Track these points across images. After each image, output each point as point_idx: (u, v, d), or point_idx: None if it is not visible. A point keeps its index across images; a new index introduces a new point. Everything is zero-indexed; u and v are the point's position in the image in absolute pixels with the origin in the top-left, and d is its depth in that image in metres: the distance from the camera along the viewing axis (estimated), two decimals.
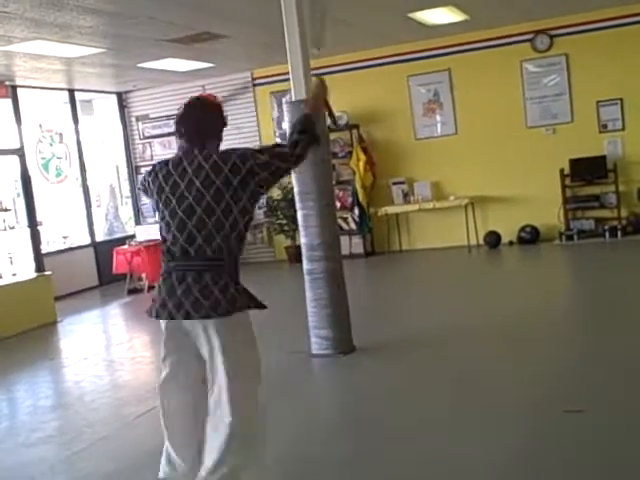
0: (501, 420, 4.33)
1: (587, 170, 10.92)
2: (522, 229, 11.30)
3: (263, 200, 12.58)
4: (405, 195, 11.95)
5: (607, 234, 10.72)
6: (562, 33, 11.04)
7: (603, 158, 10.85)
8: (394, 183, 12.01)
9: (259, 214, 12.62)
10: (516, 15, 10.49)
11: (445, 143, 11.81)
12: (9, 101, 10.94)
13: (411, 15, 9.62)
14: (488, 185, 11.50)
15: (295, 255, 11.06)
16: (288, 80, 6.42)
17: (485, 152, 11.49)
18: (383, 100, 11.97)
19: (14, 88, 10.99)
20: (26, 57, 9.21)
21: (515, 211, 11.31)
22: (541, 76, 11.27)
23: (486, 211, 11.61)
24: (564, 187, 11.00)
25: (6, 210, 10.68)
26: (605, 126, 11.00)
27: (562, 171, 10.97)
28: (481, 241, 11.56)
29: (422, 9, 9.41)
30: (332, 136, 10.71)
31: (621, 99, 10.86)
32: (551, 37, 11.10)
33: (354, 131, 12.00)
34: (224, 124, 3.44)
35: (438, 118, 11.91)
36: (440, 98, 11.85)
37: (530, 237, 11.26)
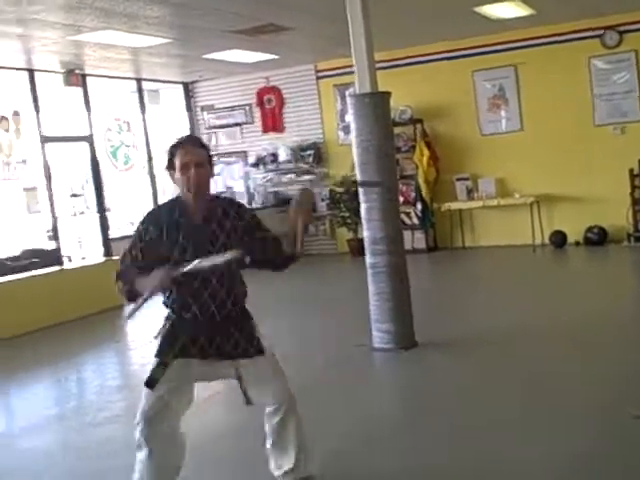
0: (568, 423, 4.27)
1: None
2: (589, 229, 11.08)
3: (326, 192, 12.67)
4: (469, 191, 11.86)
5: None
6: (632, 29, 10.79)
7: None
8: (458, 179, 11.93)
9: (322, 206, 12.70)
10: (584, 10, 10.29)
11: (510, 139, 11.67)
12: (80, 89, 11.21)
13: (477, 9, 9.54)
14: (554, 183, 11.32)
15: (357, 248, 11.09)
16: (352, 73, 6.45)
17: (551, 149, 11.31)
18: (447, 95, 11.89)
19: (84, 77, 11.25)
20: (95, 46, 9.41)
21: (582, 211, 11.11)
22: (610, 73, 11.05)
23: (552, 210, 11.43)
24: (633, 187, 10.75)
25: (76, 196, 10.99)
26: None
27: (631, 171, 10.72)
28: (546, 240, 11.37)
29: (488, 3, 9.33)
30: (396, 130, 10.69)
31: None
32: (620, 33, 10.87)
33: (418, 126, 11.95)
34: None
35: (503, 114, 11.78)
36: (505, 94, 11.72)
37: (597, 238, 11.02)
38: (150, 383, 3.23)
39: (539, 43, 11.29)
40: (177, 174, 3.24)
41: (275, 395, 3.38)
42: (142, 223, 3.30)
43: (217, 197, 3.49)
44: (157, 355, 3.31)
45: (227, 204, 3.38)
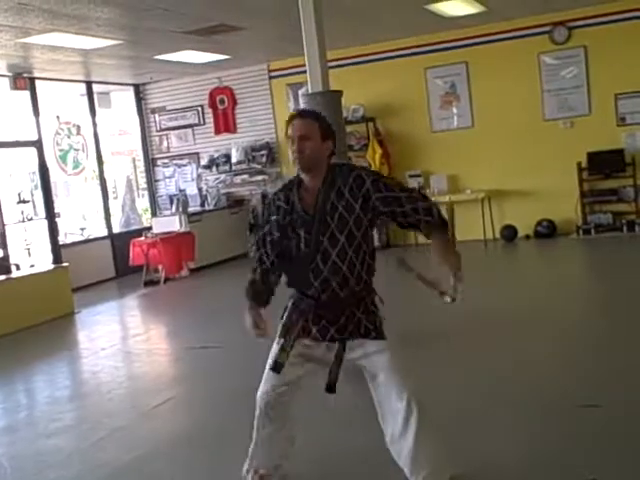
0: (518, 417, 4.33)
1: (605, 164, 10.84)
2: (539, 223, 11.25)
3: None
4: (421, 188, 11.90)
5: (625, 228, 10.66)
6: (580, 25, 10.94)
7: (621, 152, 10.76)
8: (410, 176, 11.98)
9: None
10: (534, 7, 10.41)
11: (461, 136, 11.76)
12: (27, 93, 11.00)
13: (428, 7, 9.58)
14: (504, 179, 11.45)
15: None
16: (304, 72, 6.43)
17: (502, 145, 11.43)
18: (399, 93, 11.94)
19: (32, 80, 11.05)
20: (43, 49, 9.25)
21: (532, 205, 11.26)
22: (559, 68, 11.19)
23: (502, 205, 11.56)
24: (581, 181, 10.94)
25: (24, 202, 10.78)
26: (623, 119, 10.90)
27: (579, 164, 10.90)
28: (497, 235, 11.52)
29: (439, 1, 9.37)
30: (348, 129, 10.72)
31: None
32: (569, 29, 11.02)
33: (370, 124, 11.98)
34: None
35: (455, 111, 11.86)
36: (457, 90, 11.80)
37: (547, 231, 11.21)
38: (276, 368, 3.16)
39: (490, 40, 11.39)
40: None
41: (396, 382, 3.09)
42: (267, 207, 3.27)
43: (339, 166, 3.21)
44: (281, 336, 3.21)
45: (353, 178, 3.13)
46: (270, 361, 3.24)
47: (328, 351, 3.18)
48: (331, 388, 3.13)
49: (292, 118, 3.16)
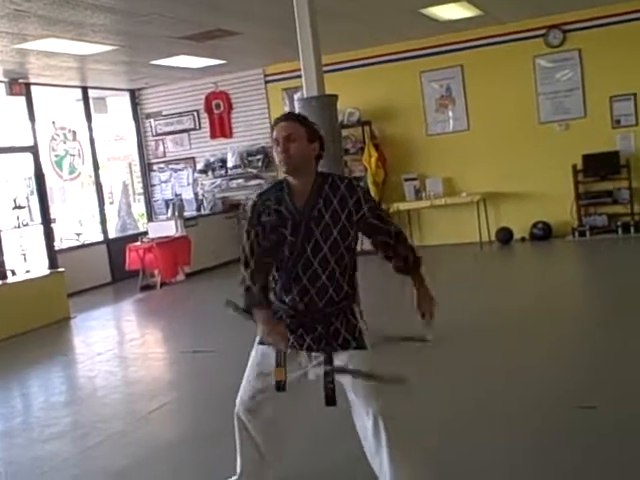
0: (515, 420, 4.32)
1: (600, 166, 10.86)
2: (534, 225, 11.26)
3: None
4: (417, 191, 11.93)
5: (620, 230, 10.68)
6: (575, 28, 10.98)
7: (616, 154, 10.79)
8: (406, 179, 11.99)
9: None
10: (529, 10, 10.44)
11: (457, 139, 11.78)
12: (23, 99, 11.00)
13: (423, 11, 9.60)
14: (500, 181, 11.46)
15: None
16: (300, 77, 6.43)
17: (497, 148, 11.45)
18: (395, 96, 11.95)
19: (27, 86, 11.05)
20: (39, 55, 9.26)
21: (527, 207, 11.28)
22: (554, 71, 11.22)
23: (498, 207, 11.58)
24: (577, 183, 10.95)
25: (20, 207, 10.76)
26: (618, 121, 10.94)
27: (575, 167, 10.92)
28: (493, 237, 11.53)
29: (434, 5, 9.39)
30: (344, 133, 10.75)
31: (634, 94, 10.80)
32: (564, 32, 11.05)
33: (366, 127, 11.99)
34: None
35: (450, 114, 11.88)
36: (452, 94, 11.82)
37: (542, 233, 11.22)
38: (279, 388, 3.09)
39: (485, 43, 11.42)
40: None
41: (366, 398, 3.05)
42: (253, 209, 3.13)
43: (327, 175, 3.16)
44: (260, 342, 3.19)
45: (344, 187, 3.10)
46: (249, 370, 3.22)
47: (309, 361, 3.13)
48: (329, 401, 3.04)
49: (277, 121, 3.12)
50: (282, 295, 3.13)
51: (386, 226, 3.18)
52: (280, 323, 3.10)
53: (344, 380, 3.08)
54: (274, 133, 3.08)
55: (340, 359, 3.07)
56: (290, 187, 3.10)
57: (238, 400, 3.28)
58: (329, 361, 3.05)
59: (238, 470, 3.39)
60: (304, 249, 3.05)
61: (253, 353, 3.25)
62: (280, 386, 3.09)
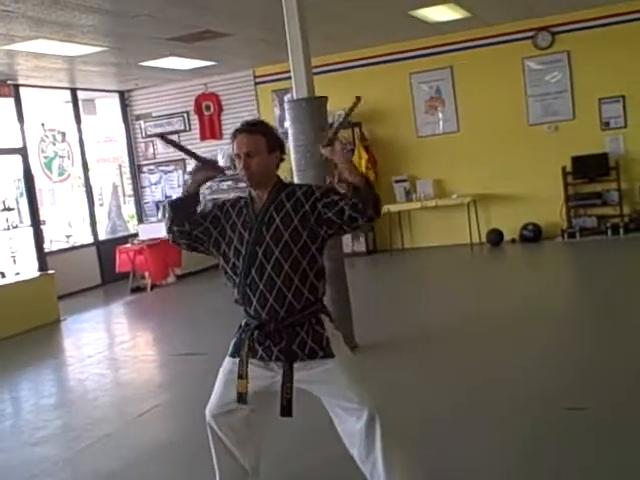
0: (506, 421, 4.33)
1: (589, 168, 10.92)
2: (524, 227, 11.30)
3: None
4: (407, 193, 11.95)
5: (609, 231, 10.73)
6: (564, 30, 11.03)
7: (605, 155, 10.84)
8: (396, 181, 12.01)
9: None
10: (518, 12, 10.48)
11: (447, 141, 11.81)
12: (11, 100, 10.95)
13: (412, 12, 9.62)
14: (490, 183, 11.50)
15: None
16: (290, 78, 6.43)
17: (487, 150, 11.48)
18: (385, 98, 11.95)
19: (16, 87, 11.00)
20: (28, 56, 9.22)
21: (517, 209, 11.31)
22: (543, 73, 11.27)
23: (488, 209, 11.61)
24: (566, 185, 11.00)
25: (9, 209, 10.72)
26: (607, 123, 10.99)
27: (564, 169, 10.96)
28: (483, 239, 11.57)
29: (423, 6, 9.41)
30: None
31: (623, 96, 10.85)
32: (553, 34, 11.09)
33: (356, 129, 12.00)
34: None
35: (440, 115, 11.90)
36: (442, 95, 11.85)
37: (532, 235, 11.25)
38: (240, 399, 3.08)
39: (474, 45, 11.45)
40: None
41: (353, 399, 3.00)
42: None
43: (289, 185, 3.18)
44: (231, 354, 3.19)
45: (302, 192, 3.09)
46: (217, 380, 3.22)
47: (279, 372, 3.08)
48: (284, 411, 3.02)
49: (236, 133, 3.11)
50: (246, 306, 3.13)
51: (340, 204, 3.00)
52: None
53: (324, 386, 3.07)
54: (234, 146, 3.09)
55: (304, 371, 3.05)
56: (252, 197, 3.16)
57: (207, 409, 3.25)
58: (289, 371, 3.03)
59: None
60: (256, 252, 3.06)
61: (224, 363, 3.25)
62: (241, 398, 3.08)
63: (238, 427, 3.21)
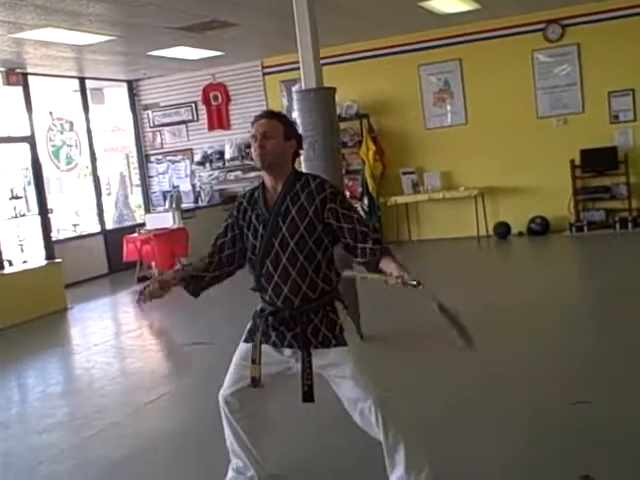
0: (511, 417, 4.32)
1: (598, 161, 10.87)
2: (532, 220, 11.27)
3: None
4: (415, 185, 11.93)
5: (617, 225, 10.69)
6: (574, 23, 10.96)
7: (614, 149, 10.80)
8: (404, 173, 11.99)
9: None
10: (528, 4, 10.43)
11: (455, 133, 11.77)
12: (20, 89, 10.96)
13: (422, 4, 9.58)
14: (498, 176, 11.47)
15: None
16: (298, 69, 6.41)
17: (495, 142, 11.44)
18: (393, 89, 11.93)
19: (25, 76, 11.01)
20: (36, 44, 9.22)
21: (525, 202, 11.28)
22: (552, 66, 11.21)
23: (496, 202, 11.58)
24: (574, 178, 10.96)
25: (17, 198, 10.75)
26: (616, 117, 10.93)
27: (572, 162, 10.92)
28: (491, 232, 11.54)
29: None
30: (342, 126, 10.73)
31: (633, 90, 10.80)
32: (563, 27, 11.04)
33: (364, 120, 11.98)
34: None
35: (448, 108, 11.86)
36: (451, 87, 11.81)
37: (540, 228, 11.22)
38: (254, 383, 3.14)
39: (483, 37, 11.40)
40: None
41: (359, 391, 3.05)
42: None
43: (303, 174, 3.20)
44: (245, 340, 3.25)
45: (315, 185, 3.10)
46: (232, 365, 3.27)
47: (292, 357, 3.15)
48: (306, 396, 3.07)
49: (257, 119, 3.17)
50: (261, 293, 3.18)
51: (347, 225, 3.05)
52: (161, 289, 3.35)
53: (337, 373, 3.10)
54: (253, 130, 3.14)
55: (318, 358, 3.09)
56: (265, 186, 3.17)
57: (220, 393, 3.31)
58: (308, 358, 3.07)
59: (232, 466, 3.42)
60: (272, 244, 3.08)
61: (238, 348, 3.29)
62: (255, 382, 3.13)
63: (249, 412, 3.27)
